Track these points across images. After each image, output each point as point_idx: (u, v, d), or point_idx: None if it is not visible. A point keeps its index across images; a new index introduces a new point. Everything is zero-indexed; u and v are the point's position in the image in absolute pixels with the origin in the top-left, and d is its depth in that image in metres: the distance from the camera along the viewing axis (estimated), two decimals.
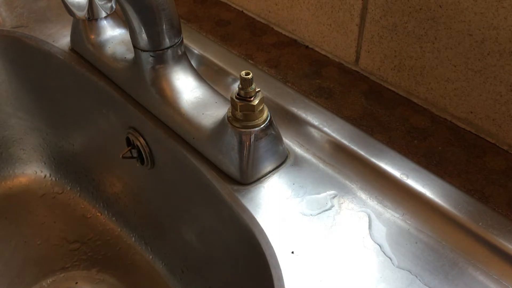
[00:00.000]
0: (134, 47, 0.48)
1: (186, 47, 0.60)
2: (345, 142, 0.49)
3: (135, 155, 0.56)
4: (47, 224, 0.56)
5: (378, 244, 0.41)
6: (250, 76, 0.42)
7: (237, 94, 0.43)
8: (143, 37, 0.46)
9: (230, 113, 0.44)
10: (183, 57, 0.49)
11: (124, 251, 0.56)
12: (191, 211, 0.54)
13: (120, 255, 0.56)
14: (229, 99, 0.44)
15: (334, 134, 0.49)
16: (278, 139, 0.46)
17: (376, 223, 0.43)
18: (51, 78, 0.64)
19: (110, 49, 0.55)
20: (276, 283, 0.39)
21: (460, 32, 0.46)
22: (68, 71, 0.60)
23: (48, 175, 0.69)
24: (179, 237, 0.57)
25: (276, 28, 0.64)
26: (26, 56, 0.65)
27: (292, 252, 0.41)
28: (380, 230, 0.42)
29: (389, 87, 0.55)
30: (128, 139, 0.56)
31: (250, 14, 0.67)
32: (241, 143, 0.43)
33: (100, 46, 0.56)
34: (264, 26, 0.65)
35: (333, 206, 0.44)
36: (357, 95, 0.55)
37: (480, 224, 0.41)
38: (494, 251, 0.40)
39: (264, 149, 0.45)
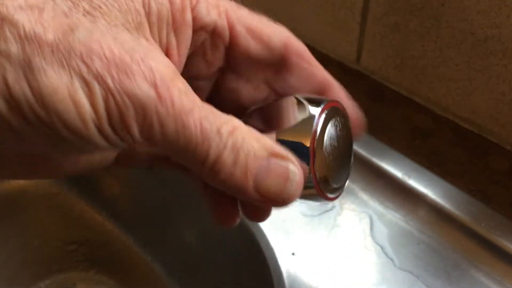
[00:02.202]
0: None
1: None
2: None
3: None
4: (45, 225, 0.56)
5: (379, 245, 0.41)
6: None
7: None
8: None
9: None
10: None
11: (123, 252, 0.56)
12: (190, 212, 0.53)
13: (118, 256, 0.56)
14: None
15: None
16: None
17: (377, 224, 0.42)
18: None
19: None
20: (276, 284, 0.38)
21: (463, 31, 0.45)
22: None
23: None
24: (178, 238, 0.56)
25: None
26: None
27: (293, 254, 0.41)
28: (382, 231, 0.42)
29: (391, 86, 0.55)
30: None
31: None
32: None
33: None
34: None
35: (334, 207, 0.44)
36: (358, 94, 0.54)
37: (482, 225, 0.41)
38: (497, 252, 0.40)
39: None
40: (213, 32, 0.21)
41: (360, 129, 0.24)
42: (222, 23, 0.21)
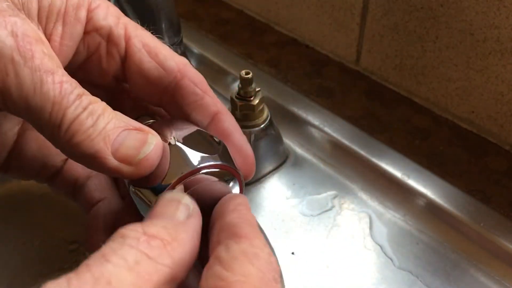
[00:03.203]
0: None
1: (186, 47, 0.60)
2: (346, 142, 0.48)
3: None
4: (46, 224, 0.56)
5: (379, 244, 0.41)
6: (250, 75, 0.42)
7: (237, 94, 0.42)
8: None
9: None
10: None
11: None
12: None
13: None
14: (229, 98, 0.44)
15: (334, 134, 0.49)
16: (278, 139, 0.46)
17: (377, 223, 0.43)
18: None
19: None
20: None
21: (462, 31, 0.45)
22: None
23: None
24: None
25: (276, 27, 0.64)
26: None
27: (293, 253, 0.41)
28: (381, 230, 0.42)
29: (390, 86, 0.55)
30: None
31: (250, 13, 0.67)
32: None
33: None
34: (264, 25, 0.65)
35: (334, 206, 0.44)
36: (358, 94, 0.54)
37: (481, 224, 0.41)
38: (496, 252, 0.40)
39: (264, 149, 0.44)
40: (109, 39, 0.22)
41: (248, 168, 0.24)
42: (119, 32, 0.22)
